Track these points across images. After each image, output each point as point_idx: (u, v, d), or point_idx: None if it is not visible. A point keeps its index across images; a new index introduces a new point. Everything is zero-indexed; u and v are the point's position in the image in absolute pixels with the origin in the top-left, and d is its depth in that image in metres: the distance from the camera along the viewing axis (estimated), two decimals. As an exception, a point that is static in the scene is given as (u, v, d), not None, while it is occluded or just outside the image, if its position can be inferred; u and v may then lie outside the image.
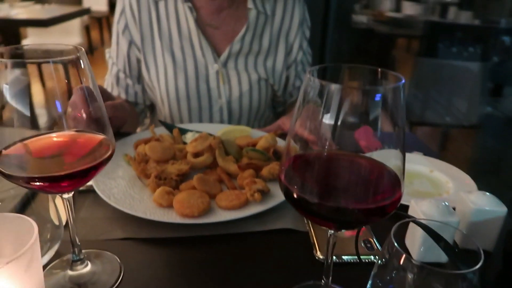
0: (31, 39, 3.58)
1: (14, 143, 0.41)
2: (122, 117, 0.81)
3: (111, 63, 1.00)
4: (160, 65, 0.96)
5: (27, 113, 0.38)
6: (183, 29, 0.95)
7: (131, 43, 0.96)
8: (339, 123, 0.35)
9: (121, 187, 0.64)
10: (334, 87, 0.33)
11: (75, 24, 3.62)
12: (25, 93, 0.38)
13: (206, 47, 0.95)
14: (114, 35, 0.98)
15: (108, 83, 1.02)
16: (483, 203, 0.54)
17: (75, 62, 0.39)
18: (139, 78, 1.00)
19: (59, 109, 0.39)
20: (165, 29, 0.95)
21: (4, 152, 0.40)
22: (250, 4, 0.95)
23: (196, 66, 0.96)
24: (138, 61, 0.98)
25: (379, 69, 0.37)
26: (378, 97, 0.34)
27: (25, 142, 0.41)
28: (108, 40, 6.82)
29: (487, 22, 3.39)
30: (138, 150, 0.72)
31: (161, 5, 0.94)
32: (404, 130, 0.36)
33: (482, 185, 0.69)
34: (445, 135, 3.03)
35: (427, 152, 0.83)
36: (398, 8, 4.85)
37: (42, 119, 0.40)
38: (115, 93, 1.01)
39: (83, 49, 0.39)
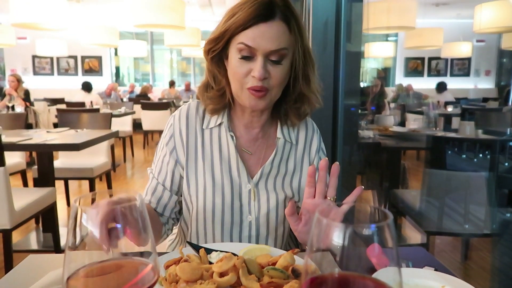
0: (62, 160, 3.88)
1: (78, 270, 0.50)
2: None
3: (152, 177, 1.16)
4: (200, 183, 1.12)
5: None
6: (224, 154, 1.13)
7: (177, 162, 1.13)
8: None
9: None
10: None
11: (103, 145, 3.94)
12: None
13: (242, 169, 1.12)
14: (160, 154, 1.15)
15: (145, 192, 1.16)
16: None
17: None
18: (178, 192, 1.16)
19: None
20: (208, 153, 1.13)
21: (71, 277, 0.49)
22: (279, 134, 1.16)
23: (232, 185, 1.12)
24: (181, 178, 1.14)
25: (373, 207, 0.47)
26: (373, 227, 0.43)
27: (88, 268, 0.50)
28: (130, 157, 7.26)
29: (489, 133, 3.57)
30: (169, 271, 0.79)
31: (207, 132, 1.14)
32: (398, 249, 0.44)
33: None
34: (466, 244, 2.98)
35: (439, 267, 0.88)
36: (402, 122, 5.14)
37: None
38: (147, 198, 1.14)
39: (143, 196, 0.51)
